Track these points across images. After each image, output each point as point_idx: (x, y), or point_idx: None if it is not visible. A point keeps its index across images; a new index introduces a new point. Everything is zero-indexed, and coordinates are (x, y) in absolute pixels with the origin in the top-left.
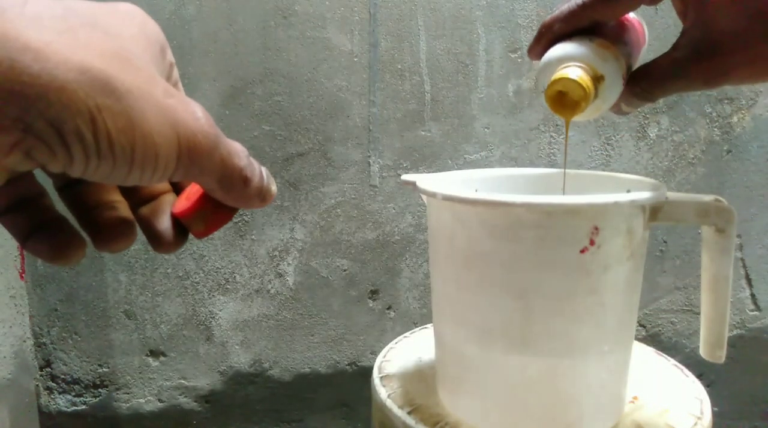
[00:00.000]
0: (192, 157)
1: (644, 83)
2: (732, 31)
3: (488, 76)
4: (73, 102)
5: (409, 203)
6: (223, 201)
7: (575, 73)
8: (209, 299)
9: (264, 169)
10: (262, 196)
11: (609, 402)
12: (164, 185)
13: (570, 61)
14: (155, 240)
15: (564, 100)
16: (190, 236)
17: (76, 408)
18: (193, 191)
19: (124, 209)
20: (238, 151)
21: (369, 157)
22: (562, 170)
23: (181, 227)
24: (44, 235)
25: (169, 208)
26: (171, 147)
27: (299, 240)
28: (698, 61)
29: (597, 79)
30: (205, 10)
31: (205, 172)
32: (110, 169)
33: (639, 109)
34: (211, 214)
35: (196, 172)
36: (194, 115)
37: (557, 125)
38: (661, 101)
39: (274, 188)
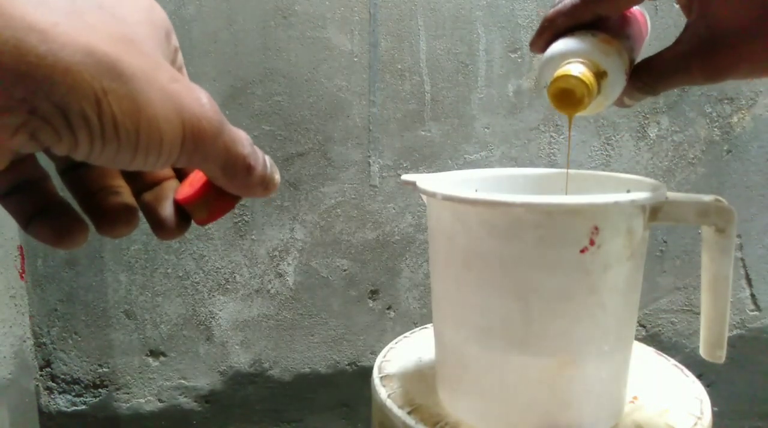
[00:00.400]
0: (196, 142)
1: (647, 77)
2: (736, 25)
3: (488, 76)
4: (78, 84)
5: (409, 203)
6: (226, 188)
7: (578, 69)
8: (209, 299)
9: (268, 158)
10: (265, 184)
11: (609, 402)
12: (167, 171)
13: (573, 57)
14: (158, 226)
15: (567, 96)
16: (194, 223)
17: (76, 408)
18: (196, 178)
19: (126, 194)
20: (242, 139)
21: (369, 157)
22: (562, 170)
23: (184, 214)
24: (46, 219)
25: (171, 194)
26: (175, 132)
27: (299, 240)
28: (701, 55)
29: (600, 75)
30: (205, 10)
31: (209, 158)
32: (114, 153)
33: (640, 105)
34: (213, 201)
35: (200, 158)
36: (199, 100)
37: (557, 125)
38: (661, 101)
39: (277, 177)
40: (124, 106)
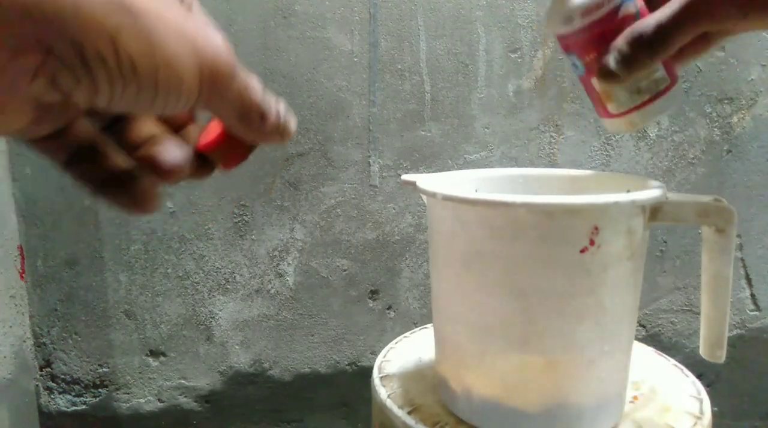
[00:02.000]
0: (213, 84)
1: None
2: None
3: (488, 76)
4: (90, 21)
5: (409, 203)
6: (242, 136)
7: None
8: (209, 299)
9: (282, 104)
10: (280, 131)
11: (609, 402)
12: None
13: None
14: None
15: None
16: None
17: (76, 408)
18: (213, 126)
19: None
20: (254, 85)
21: (369, 157)
22: (562, 170)
23: (205, 159)
24: (118, 185)
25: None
26: (193, 73)
27: (299, 240)
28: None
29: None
30: (205, 10)
31: (225, 103)
32: (135, 95)
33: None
34: (230, 149)
35: (217, 102)
36: (214, 40)
37: (557, 125)
38: None
39: (292, 124)
40: (139, 45)
